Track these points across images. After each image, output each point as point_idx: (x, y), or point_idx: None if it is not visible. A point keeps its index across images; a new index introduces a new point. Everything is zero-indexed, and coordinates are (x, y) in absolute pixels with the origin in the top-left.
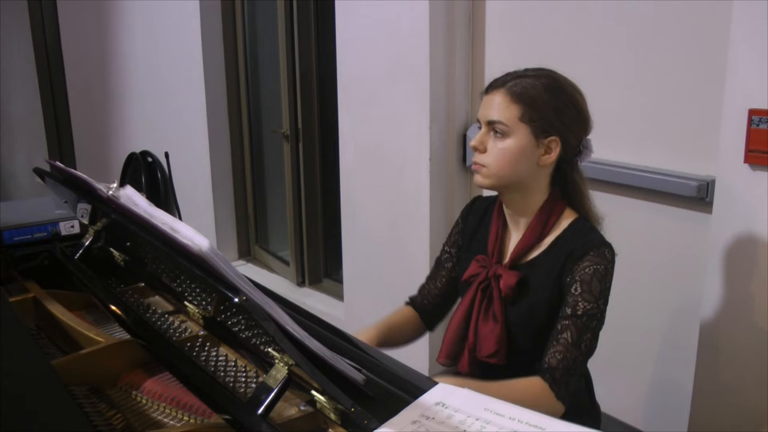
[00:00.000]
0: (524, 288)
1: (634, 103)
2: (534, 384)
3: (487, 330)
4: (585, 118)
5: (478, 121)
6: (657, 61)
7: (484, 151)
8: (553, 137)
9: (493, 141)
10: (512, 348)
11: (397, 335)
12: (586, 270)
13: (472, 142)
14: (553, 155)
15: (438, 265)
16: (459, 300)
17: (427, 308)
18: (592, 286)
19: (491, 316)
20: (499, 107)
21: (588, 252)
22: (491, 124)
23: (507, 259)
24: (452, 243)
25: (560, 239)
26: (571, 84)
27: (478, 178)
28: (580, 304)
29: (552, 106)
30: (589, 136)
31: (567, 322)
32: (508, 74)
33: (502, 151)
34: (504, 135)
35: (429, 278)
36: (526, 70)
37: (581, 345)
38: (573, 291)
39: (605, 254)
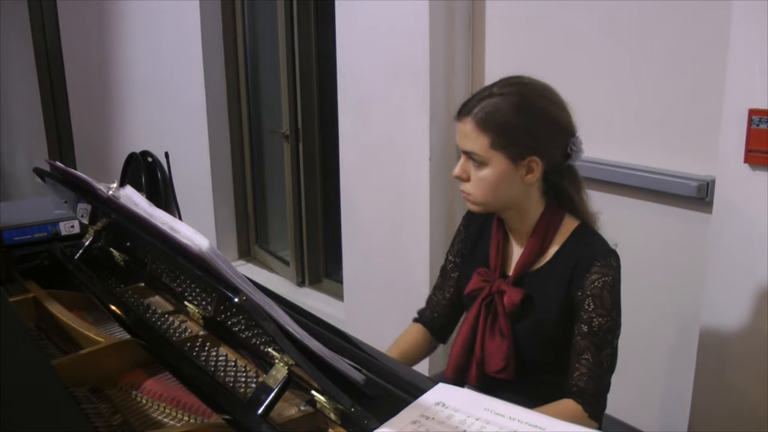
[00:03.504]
0: (530, 302)
1: (634, 103)
2: (567, 407)
3: (495, 346)
4: (562, 127)
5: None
6: (657, 61)
7: (468, 179)
8: (531, 157)
9: (474, 169)
10: (521, 361)
11: (411, 360)
12: (596, 283)
13: (455, 171)
14: (536, 173)
15: (444, 274)
16: (464, 314)
17: (437, 320)
18: (604, 300)
19: (498, 331)
20: (469, 137)
21: (594, 262)
22: (467, 154)
23: (510, 272)
24: (456, 252)
25: (564, 249)
26: (542, 93)
27: (468, 206)
28: (595, 320)
29: (523, 127)
30: (583, 135)
31: (585, 341)
32: (474, 96)
33: (482, 180)
34: (481, 164)
35: (436, 289)
36: (494, 85)
37: (603, 363)
38: (586, 307)
39: (611, 263)
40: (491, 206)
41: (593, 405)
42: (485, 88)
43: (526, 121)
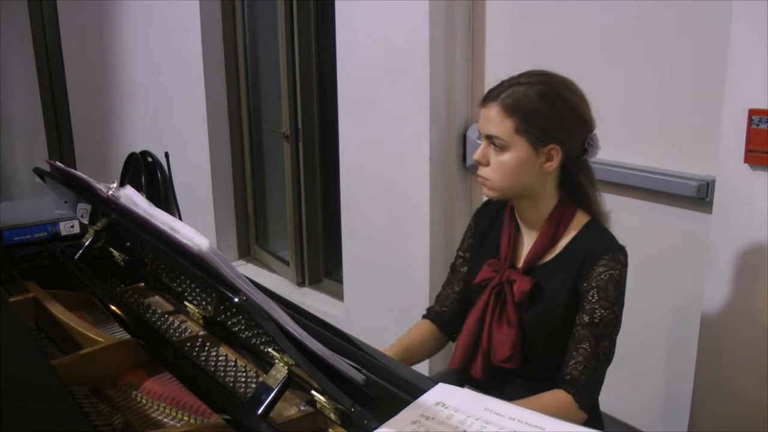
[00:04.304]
0: (538, 292)
1: (634, 103)
2: (558, 396)
3: (502, 335)
4: (584, 119)
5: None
6: (657, 61)
7: (487, 164)
8: (552, 145)
9: (494, 154)
10: (526, 352)
11: (416, 355)
12: (602, 276)
13: (475, 155)
14: (555, 162)
15: (454, 270)
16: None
17: (446, 316)
18: (608, 293)
19: (505, 320)
20: (494, 121)
21: (602, 256)
22: (489, 138)
23: (520, 263)
24: (466, 247)
25: (574, 242)
26: (567, 85)
27: (484, 191)
28: (597, 311)
29: (547, 114)
30: (595, 131)
31: (585, 331)
32: (502, 83)
33: (502, 164)
34: (502, 149)
35: (446, 284)
36: (521, 75)
37: (600, 354)
38: (590, 298)
39: (619, 258)
40: (507, 192)
41: (584, 396)
42: (511, 77)
43: (550, 109)
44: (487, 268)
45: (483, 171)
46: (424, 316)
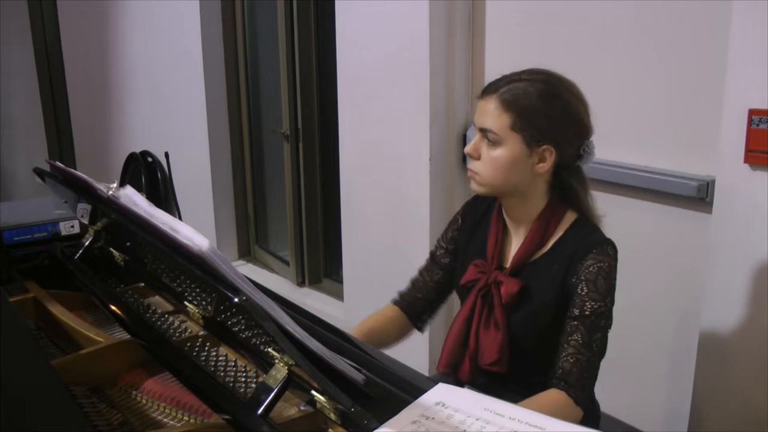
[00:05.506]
0: (526, 293)
1: (634, 103)
2: (551, 396)
3: (489, 338)
4: (582, 124)
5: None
6: (657, 61)
7: (478, 158)
8: (546, 146)
9: (486, 148)
10: (514, 353)
11: (380, 338)
12: (591, 269)
13: (467, 148)
14: (548, 163)
15: (433, 258)
16: (459, 307)
17: (419, 302)
18: (598, 285)
19: (492, 323)
20: (491, 115)
21: (591, 250)
22: (484, 132)
23: (507, 264)
24: (449, 239)
25: (562, 241)
26: (569, 87)
27: (473, 185)
28: (587, 303)
29: (545, 113)
30: (592, 138)
31: (575, 323)
32: (502, 78)
33: (494, 160)
34: (495, 144)
35: (423, 270)
36: (523, 72)
37: (592, 345)
38: (579, 291)
39: (608, 251)
40: (496, 189)
41: (578, 390)
42: (513, 73)
43: (549, 109)
44: (474, 268)
45: (473, 165)
46: (394, 302)
